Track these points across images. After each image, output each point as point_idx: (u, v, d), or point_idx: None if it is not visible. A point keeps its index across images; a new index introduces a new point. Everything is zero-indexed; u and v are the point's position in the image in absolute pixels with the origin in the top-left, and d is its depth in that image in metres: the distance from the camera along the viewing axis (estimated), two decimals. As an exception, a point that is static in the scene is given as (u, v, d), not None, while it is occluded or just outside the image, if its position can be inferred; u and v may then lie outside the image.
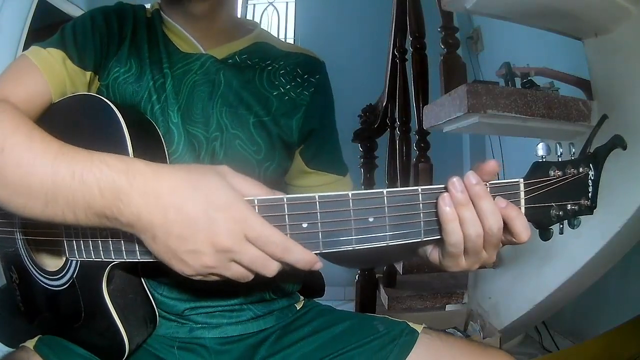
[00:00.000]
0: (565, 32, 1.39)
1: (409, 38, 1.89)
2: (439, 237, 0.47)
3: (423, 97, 1.78)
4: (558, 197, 0.48)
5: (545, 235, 0.50)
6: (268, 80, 0.71)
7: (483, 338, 1.54)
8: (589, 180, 0.49)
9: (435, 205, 0.46)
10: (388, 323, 0.67)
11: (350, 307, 2.19)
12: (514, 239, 0.47)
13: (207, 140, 0.65)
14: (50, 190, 0.45)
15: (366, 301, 1.97)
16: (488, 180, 0.47)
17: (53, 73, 0.59)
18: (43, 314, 0.64)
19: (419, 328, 0.65)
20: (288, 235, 0.44)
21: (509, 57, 1.71)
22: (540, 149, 0.48)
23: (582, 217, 0.50)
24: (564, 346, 1.93)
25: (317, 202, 0.44)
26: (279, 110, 0.69)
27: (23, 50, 0.63)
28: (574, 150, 0.50)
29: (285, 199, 0.45)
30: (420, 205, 0.46)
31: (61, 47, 0.61)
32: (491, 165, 0.47)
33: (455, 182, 0.45)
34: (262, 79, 0.70)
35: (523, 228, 0.46)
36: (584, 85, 1.47)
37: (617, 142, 0.49)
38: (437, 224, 0.46)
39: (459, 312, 1.77)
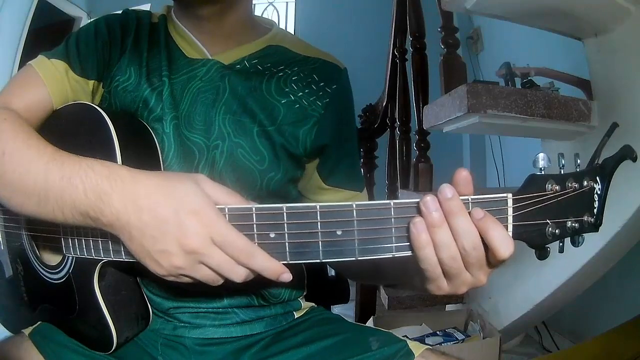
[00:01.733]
0: (565, 32, 1.39)
1: (409, 38, 1.89)
2: (411, 253, 0.44)
3: (423, 97, 1.78)
4: (555, 214, 0.43)
5: (542, 254, 0.45)
6: (277, 87, 0.68)
7: (483, 338, 1.54)
8: (595, 195, 0.44)
9: (407, 228, 0.43)
10: (385, 340, 0.63)
11: (351, 306, 2.19)
12: (495, 256, 0.43)
13: (208, 148, 0.64)
14: (42, 190, 0.49)
15: (366, 301, 1.96)
16: (466, 193, 0.43)
17: (55, 83, 0.63)
18: (43, 304, 0.67)
19: (418, 350, 0.61)
20: (255, 244, 0.45)
21: (509, 57, 1.71)
22: (541, 160, 0.43)
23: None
24: (564, 346, 1.93)
25: (285, 213, 0.45)
26: (286, 119, 0.66)
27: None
28: (579, 161, 0.45)
29: (254, 209, 0.45)
30: (392, 220, 0.44)
31: (64, 58, 0.64)
32: (461, 174, 0.43)
33: (428, 201, 0.42)
34: (270, 86, 0.67)
35: (501, 242, 0.42)
36: (584, 85, 1.47)
37: (627, 153, 0.44)
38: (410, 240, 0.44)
39: (459, 312, 1.77)
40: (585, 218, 0.44)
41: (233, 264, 0.45)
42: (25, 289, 0.69)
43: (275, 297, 0.69)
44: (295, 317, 0.73)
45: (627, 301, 1.70)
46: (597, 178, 0.44)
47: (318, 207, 0.44)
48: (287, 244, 0.45)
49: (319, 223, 0.44)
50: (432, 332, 1.60)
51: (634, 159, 0.45)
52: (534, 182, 0.44)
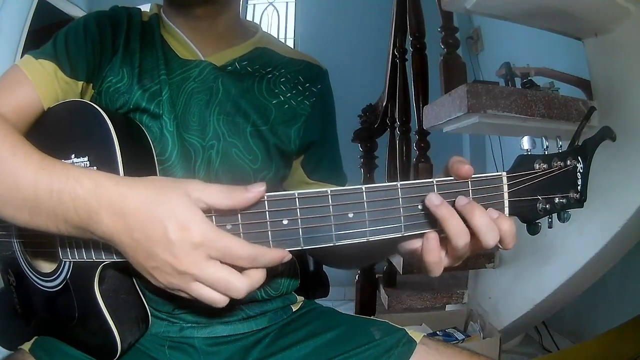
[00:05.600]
0: (565, 32, 1.39)
1: (409, 38, 1.89)
2: (419, 231, 0.47)
3: (423, 97, 1.78)
4: (545, 190, 0.47)
5: (533, 229, 0.49)
6: (268, 88, 0.70)
7: (483, 338, 1.54)
8: (578, 173, 0.48)
9: (417, 207, 0.46)
10: (386, 330, 0.65)
11: (351, 306, 2.19)
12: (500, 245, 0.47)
13: (204, 148, 0.65)
14: (33, 204, 0.48)
15: (366, 301, 1.96)
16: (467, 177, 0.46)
17: (44, 85, 0.61)
18: (39, 316, 0.64)
19: (417, 337, 0.63)
20: (269, 232, 0.46)
21: (509, 57, 1.71)
22: (525, 143, 0.47)
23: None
24: (564, 346, 1.93)
25: (297, 199, 0.46)
26: (277, 120, 0.69)
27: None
28: (561, 143, 0.49)
29: (265, 197, 0.46)
30: (400, 200, 0.46)
31: (53, 58, 0.62)
32: (464, 170, 0.46)
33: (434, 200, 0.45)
34: (261, 88, 0.70)
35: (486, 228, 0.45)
36: (584, 85, 1.47)
37: (606, 134, 0.48)
38: (418, 219, 0.46)
39: (459, 312, 1.77)
40: (571, 194, 0.48)
41: (228, 282, 0.43)
42: (18, 300, 0.67)
43: (276, 290, 0.70)
44: (293, 310, 0.74)
45: (627, 301, 1.70)
46: (579, 157, 0.48)
47: (329, 191, 0.45)
48: (300, 229, 0.46)
49: (330, 207, 0.45)
50: (432, 332, 1.60)
51: (613, 139, 0.48)
52: (524, 162, 0.48)
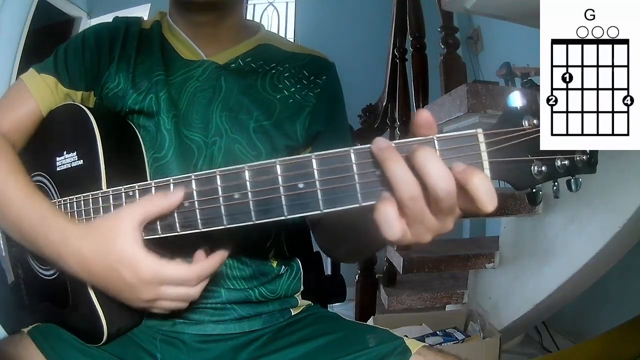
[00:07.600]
0: (565, 32, 1.39)
1: (409, 38, 1.89)
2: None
3: (423, 97, 1.78)
4: (539, 151, 0.39)
5: (532, 197, 0.41)
6: (271, 84, 0.70)
7: (483, 338, 1.54)
8: None
9: (379, 169, 0.40)
10: (383, 338, 0.63)
11: (351, 307, 2.19)
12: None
13: (206, 144, 0.66)
14: (18, 231, 0.57)
15: (366, 301, 1.96)
16: (430, 134, 0.41)
17: (46, 98, 0.67)
18: (42, 304, 0.67)
19: (414, 347, 0.61)
20: (222, 207, 0.46)
21: (509, 57, 1.71)
22: (517, 99, 0.39)
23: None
24: (564, 346, 1.93)
25: (246, 171, 0.45)
26: (282, 114, 0.69)
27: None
28: None
29: (217, 172, 0.46)
30: (354, 166, 0.41)
31: (54, 72, 0.67)
32: (422, 116, 0.41)
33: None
34: (264, 83, 0.70)
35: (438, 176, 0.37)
36: (584, 85, 1.47)
37: None
38: (376, 186, 0.41)
39: (459, 312, 1.77)
40: (577, 156, 0.39)
41: (185, 293, 0.52)
42: (25, 291, 0.69)
43: (273, 292, 0.70)
44: (292, 314, 0.73)
45: (627, 301, 1.70)
46: None
47: (277, 161, 0.44)
48: (250, 202, 0.45)
49: (279, 177, 0.44)
50: (432, 332, 1.60)
51: None
52: (509, 118, 0.39)
